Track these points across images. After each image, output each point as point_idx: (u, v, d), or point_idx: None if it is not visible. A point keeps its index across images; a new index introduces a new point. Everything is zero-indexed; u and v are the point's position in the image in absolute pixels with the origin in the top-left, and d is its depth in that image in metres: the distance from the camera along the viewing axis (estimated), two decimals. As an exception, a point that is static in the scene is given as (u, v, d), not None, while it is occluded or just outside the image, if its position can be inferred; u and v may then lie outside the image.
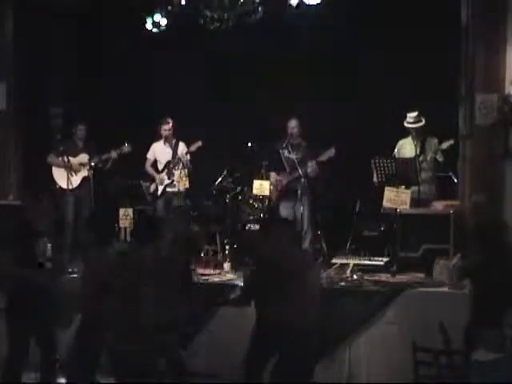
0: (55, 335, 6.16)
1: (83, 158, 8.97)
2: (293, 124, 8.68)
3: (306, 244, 8.47)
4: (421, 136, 8.28)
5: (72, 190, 8.76)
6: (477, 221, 6.75)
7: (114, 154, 8.99)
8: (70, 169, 8.72)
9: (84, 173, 8.92)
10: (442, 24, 8.34)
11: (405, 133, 8.38)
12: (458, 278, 6.40)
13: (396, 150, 8.36)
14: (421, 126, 8.24)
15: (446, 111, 8.12)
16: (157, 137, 9.15)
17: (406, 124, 8.30)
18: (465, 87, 7.77)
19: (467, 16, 7.69)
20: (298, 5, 8.35)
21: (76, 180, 8.85)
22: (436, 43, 8.58)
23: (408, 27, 8.85)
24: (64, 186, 8.73)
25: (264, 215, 8.87)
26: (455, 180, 8.35)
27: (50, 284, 5.94)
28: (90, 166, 8.88)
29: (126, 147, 8.96)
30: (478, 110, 7.56)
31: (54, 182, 8.93)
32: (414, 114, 8.24)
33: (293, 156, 8.59)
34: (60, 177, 8.87)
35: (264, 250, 5.91)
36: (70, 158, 8.76)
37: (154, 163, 9.23)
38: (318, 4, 8.34)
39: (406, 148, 8.33)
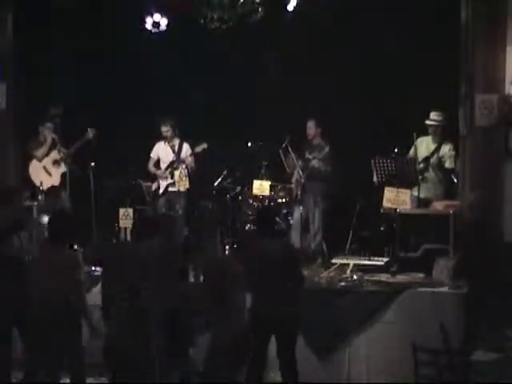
0: None
1: (55, 155, 8.98)
2: (309, 124, 8.68)
3: (314, 245, 8.49)
4: (439, 137, 8.24)
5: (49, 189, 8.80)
6: (475, 220, 6.76)
7: (79, 144, 8.92)
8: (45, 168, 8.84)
9: (62, 169, 8.93)
10: (442, 24, 8.34)
11: (404, 133, 8.37)
12: (455, 278, 6.41)
13: (413, 146, 8.24)
14: (438, 126, 8.17)
15: (446, 111, 8.12)
16: (160, 136, 9.14)
17: (426, 121, 8.27)
18: (465, 87, 7.77)
19: (467, 16, 7.69)
20: (297, 5, 8.35)
21: (56, 179, 8.89)
22: (436, 43, 8.59)
23: (408, 27, 8.85)
24: (48, 184, 8.82)
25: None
26: (455, 180, 8.34)
27: None
28: (65, 162, 8.86)
29: (90, 132, 8.88)
30: (478, 111, 7.55)
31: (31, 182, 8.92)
32: (435, 113, 8.21)
33: (309, 157, 8.59)
34: (37, 177, 8.90)
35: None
36: (45, 158, 8.89)
37: (157, 163, 9.23)
38: (317, 4, 8.35)
39: (423, 146, 8.29)
